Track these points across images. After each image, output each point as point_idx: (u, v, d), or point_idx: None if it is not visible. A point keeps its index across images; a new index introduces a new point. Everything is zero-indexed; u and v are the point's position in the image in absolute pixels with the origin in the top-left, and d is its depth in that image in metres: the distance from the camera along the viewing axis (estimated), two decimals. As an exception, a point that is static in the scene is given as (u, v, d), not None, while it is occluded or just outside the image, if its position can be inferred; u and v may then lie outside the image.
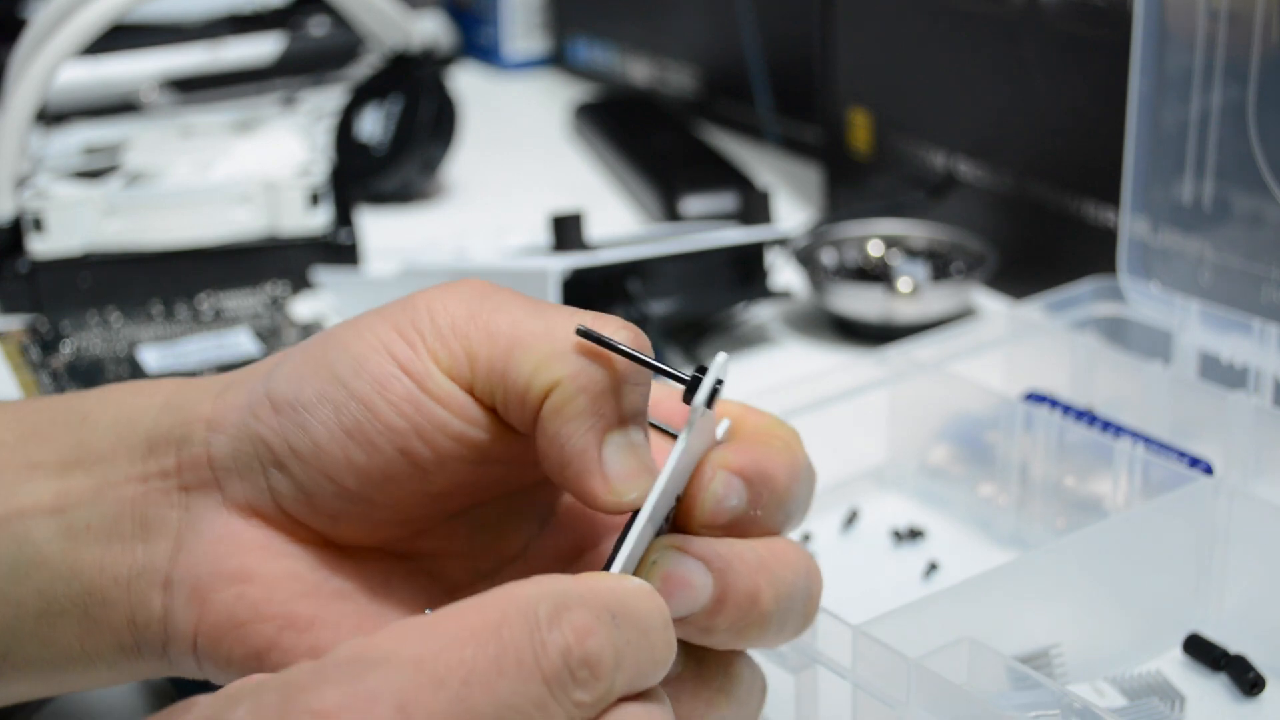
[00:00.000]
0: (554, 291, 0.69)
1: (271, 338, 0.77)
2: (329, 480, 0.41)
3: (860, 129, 0.88)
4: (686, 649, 0.41)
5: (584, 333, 0.40)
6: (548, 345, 0.40)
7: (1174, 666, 0.54)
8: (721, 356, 0.41)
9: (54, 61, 0.83)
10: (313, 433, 0.41)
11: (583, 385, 0.40)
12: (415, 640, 0.34)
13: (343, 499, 0.42)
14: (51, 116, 0.99)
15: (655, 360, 0.41)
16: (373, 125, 0.95)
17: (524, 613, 0.35)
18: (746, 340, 0.79)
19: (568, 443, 0.40)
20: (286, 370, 0.42)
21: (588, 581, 0.37)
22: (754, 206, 0.78)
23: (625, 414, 0.41)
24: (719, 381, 0.41)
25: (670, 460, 0.40)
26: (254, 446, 0.42)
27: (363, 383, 0.41)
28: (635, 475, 0.40)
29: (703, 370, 0.40)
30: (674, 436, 0.43)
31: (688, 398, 0.41)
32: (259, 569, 0.42)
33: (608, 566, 0.39)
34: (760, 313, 0.81)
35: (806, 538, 0.62)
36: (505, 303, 0.42)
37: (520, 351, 0.40)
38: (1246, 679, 0.52)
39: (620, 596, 0.36)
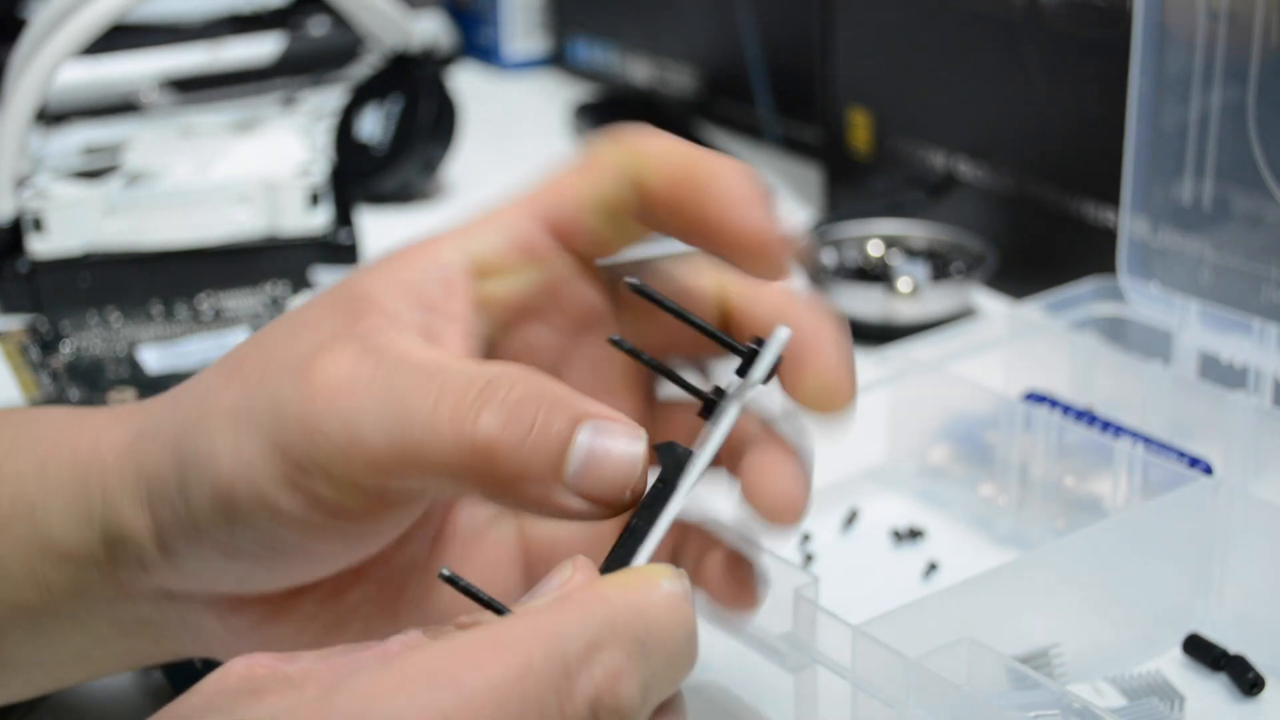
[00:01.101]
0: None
1: (271, 338, 0.77)
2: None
3: (860, 129, 0.88)
4: None
5: (636, 288, 0.38)
6: None
7: (1174, 666, 0.54)
8: (784, 332, 0.39)
9: (54, 61, 0.83)
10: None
11: None
12: (429, 694, 0.32)
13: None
14: (51, 116, 0.99)
15: (709, 326, 0.39)
16: (373, 125, 0.95)
17: (551, 658, 0.32)
18: (746, 340, 0.79)
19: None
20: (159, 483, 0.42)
21: (619, 597, 0.34)
22: (754, 206, 0.78)
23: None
24: (777, 359, 0.39)
25: (711, 443, 0.38)
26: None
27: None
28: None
29: (759, 343, 0.39)
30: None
31: (741, 371, 0.39)
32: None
33: (624, 554, 0.37)
34: (760, 313, 0.81)
35: (806, 538, 0.62)
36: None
37: None
38: (1246, 679, 0.52)
39: (651, 619, 0.34)
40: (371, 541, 0.41)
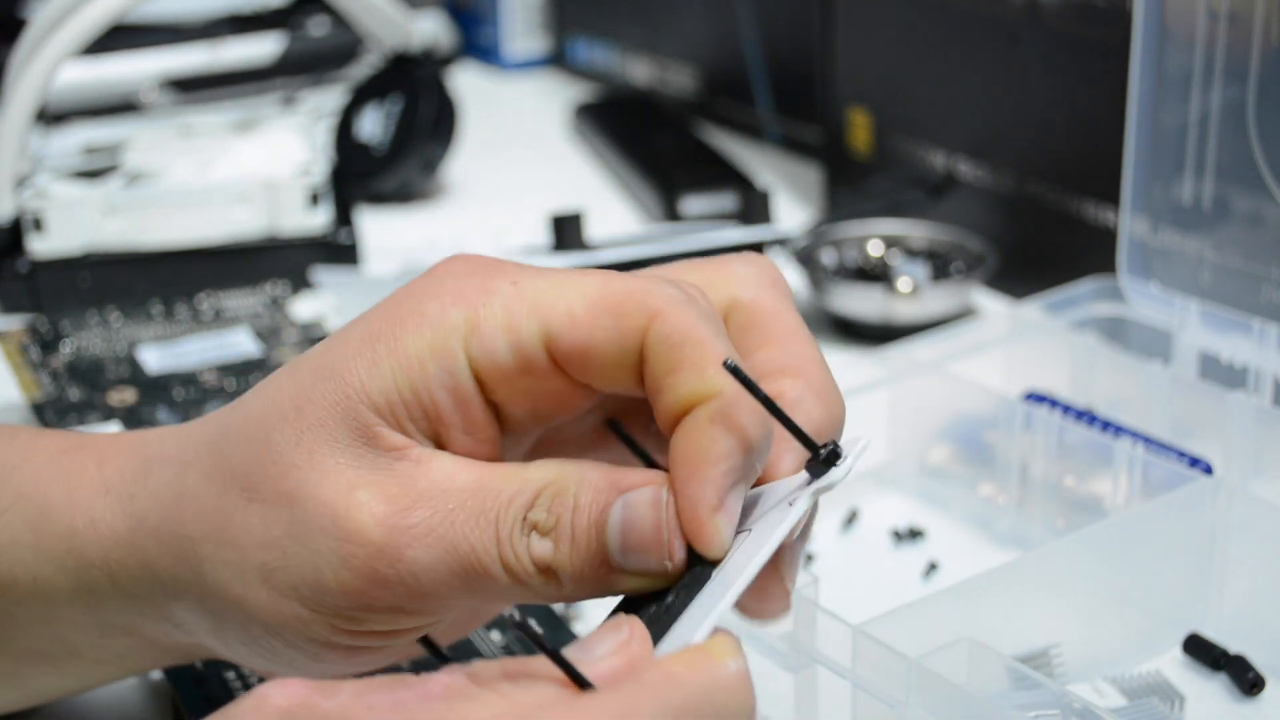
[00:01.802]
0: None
1: (271, 337, 0.77)
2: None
3: (860, 129, 0.88)
4: None
5: (733, 369, 0.37)
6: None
7: (1174, 666, 0.54)
8: (864, 442, 0.39)
9: (54, 61, 0.83)
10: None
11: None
12: None
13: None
14: (51, 116, 0.99)
15: (793, 420, 0.38)
16: (373, 125, 0.95)
17: None
18: (746, 340, 0.79)
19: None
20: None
21: (688, 677, 0.34)
22: (754, 206, 0.78)
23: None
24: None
25: (778, 534, 0.37)
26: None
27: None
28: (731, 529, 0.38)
29: (830, 450, 0.38)
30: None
31: (814, 470, 0.38)
32: None
33: (677, 624, 0.36)
34: (760, 313, 0.80)
35: (806, 538, 0.62)
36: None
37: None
38: (1246, 679, 0.52)
39: (718, 701, 0.34)
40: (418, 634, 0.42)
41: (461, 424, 0.39)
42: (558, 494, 0.38)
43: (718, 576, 0.37)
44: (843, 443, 0.39)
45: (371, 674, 0.35)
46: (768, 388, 0.38)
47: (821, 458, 0.38)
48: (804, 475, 0.39)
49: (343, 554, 0.38)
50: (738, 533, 0.38)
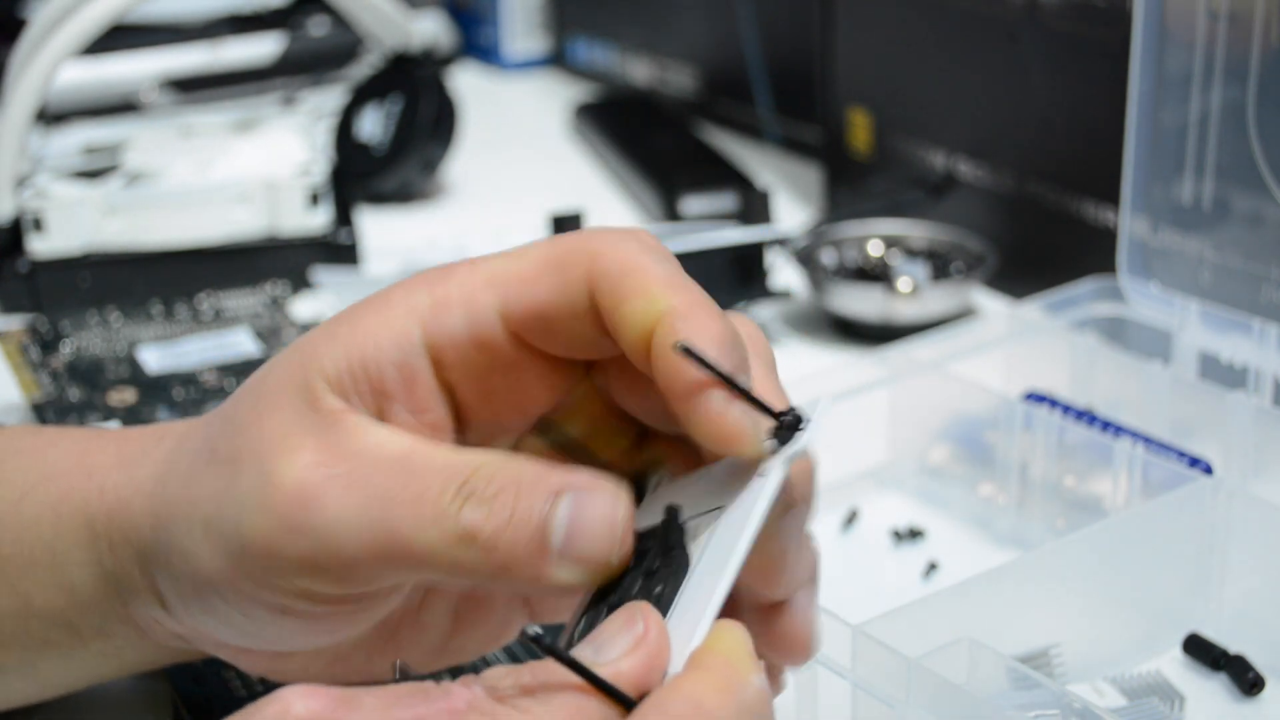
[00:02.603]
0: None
1: (271, 337, 0.77)
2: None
3: (860, 129, 0.88)
4: None
5: (685, 349, 0.36)
6: None
7: (1174, 666, 0.54)
8: (824, 402, 0.38)
9: (54, 61, 0.83)
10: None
11: None
12: None
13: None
14: (51, 116, 0.99)
15: (751, 391, 0.37)
16: (373, 125, 0.95)
17: None
18: (746, 340, 0.79)
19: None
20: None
21: (715, 699, 0.33)
22: (754, 206, 0.78)
23: None
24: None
25: (759, 508, 0.36)
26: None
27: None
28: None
29: (792, 415, 0.37)
30: None
31: (780, 437, 0.37)
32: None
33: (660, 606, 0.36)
34: (760, 313, 0.81)
35: (806, 538, 0.62)
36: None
37: None
38: (1246, 679, 0.52)
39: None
40: (369, 615, 0.42)
41: (407, 401, 0.39)
42: (500, 470, 0.37)
43: (701, 562, 0.36)
44: (803, 406, 0.38)
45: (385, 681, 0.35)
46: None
47: (786, 425, 0.37)
48: (770, 443, 0.38)
49: (261, 498, 0.38)
50: (709, 511, 0.38)
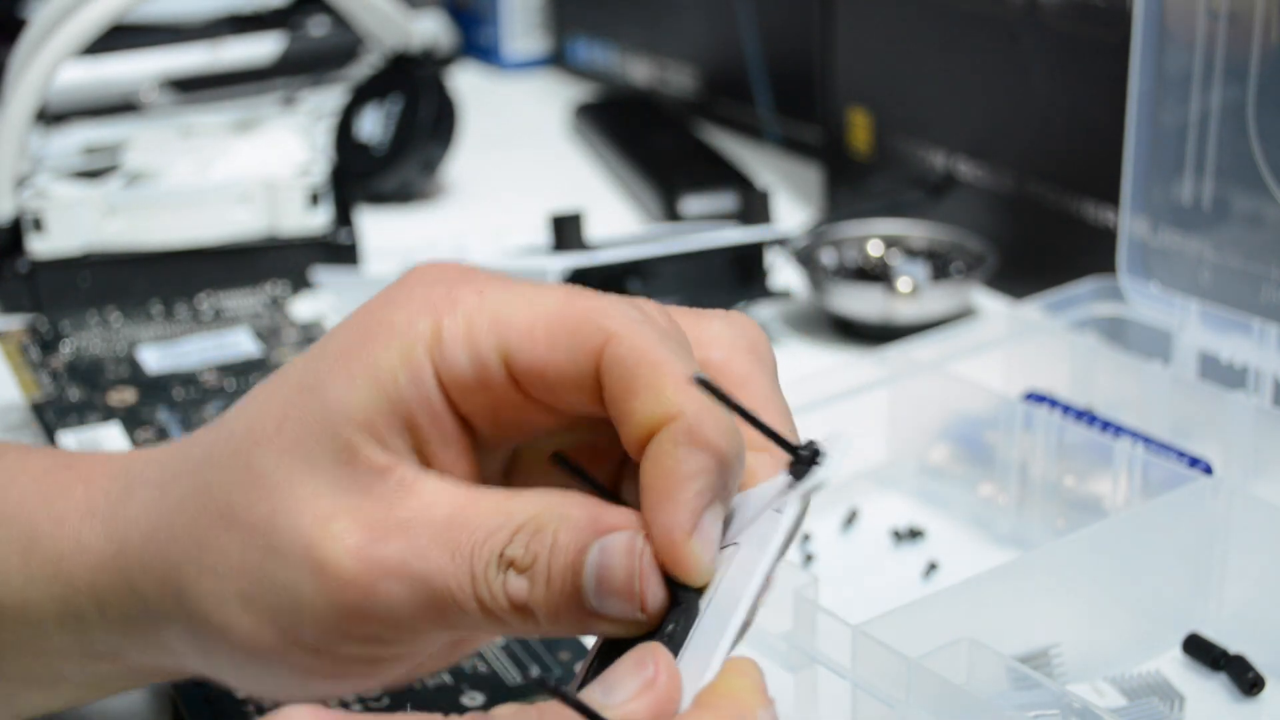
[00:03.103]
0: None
1: (271, 337, 0.77)
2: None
3: (860, 129, 0.88)
4: None
5: (701, 381, 0.36)
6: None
7: (1173, 666, 0.54)
8: (847, 437, 0.37)
9: (54, 61, 0.83)
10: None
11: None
12: None
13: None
14: (51, 116, 0.99)
15: (767, 425, 0.37)
16: (373, 125, 0.95)
17: None
18: (746, 340, 0.79)
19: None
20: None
21: None
22: (754, 206, 0.78)
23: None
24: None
25: (772, 546, 0.36)
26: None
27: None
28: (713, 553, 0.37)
29: (810, 450, 0.37)
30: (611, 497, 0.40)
31: (797, 472, 0.37)
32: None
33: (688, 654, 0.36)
34: (760, 313, 0.81)
35: (806, 538, 0.62)
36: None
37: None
38: (1246, 679, 0.52)
39: None
40: (412, 662, 0.41)
41: (439, 436, 0.39)
42: (537, 530, 0.37)
43: (715, 599, 0.36)
44: (821, 440, 0.37)
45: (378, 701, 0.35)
46: None
47: (803, 459, 0.37)
48: (785, 478, 0.37)
49: (316, 585, 0.37)
50: (724, 547, 0.37)
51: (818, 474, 0.36)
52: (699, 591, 0.37)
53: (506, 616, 0.37)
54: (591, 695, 0.34)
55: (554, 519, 0.37)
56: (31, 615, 0.43)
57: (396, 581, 0.37)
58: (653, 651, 0.35)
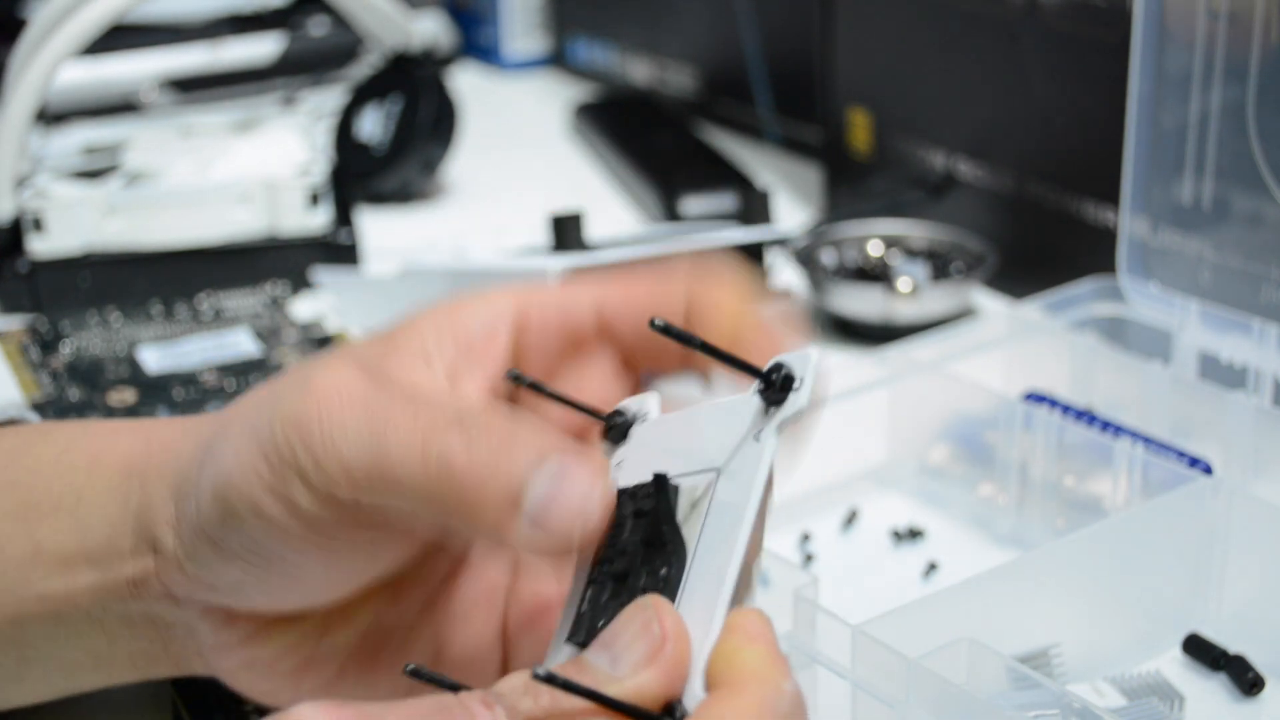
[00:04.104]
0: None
1: (271, 338, 0.77)
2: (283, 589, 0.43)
3: (860, 129, 0.88)
4: None
5: (663, 328, 0.37)
6: None
7: (1173, 666, 0.54)
8: (814, 355, 0.36)
9: (54, 61, 0.83)
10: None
11: None
12: None
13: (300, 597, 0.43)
14: (51, 116, 0.99)
15: (736, 356, 0.37)
16: (373, 125, 0.95)
17: None
18: (746, 340, 0.79)
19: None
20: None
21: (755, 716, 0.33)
22: (754, 206, 0.78)
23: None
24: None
25: (759, 479, 0.35)
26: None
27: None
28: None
29: (782, 374, 0.36)
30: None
31: (769, 398, 0.35)
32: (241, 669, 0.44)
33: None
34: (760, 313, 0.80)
35: (806, 537, 0.62)
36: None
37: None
38: (1246, 679, 0.52)
39: None
40: (351, 570, 0.42)
41: (483, 359, 0.43)
42: (498, 416, 0.39)
43: (703, 537, 0.35)
44: (791, 358, 0.36)
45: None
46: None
47: (776, 383, 0.35)
48: (756, 400, 0.36)
49: (295, 395, 0.40)
50: (701, 471, 0.37)
51: (795, 400, 0.35)
52: (676, 526, 0.36)
53: (432, 472, 0.38)
54: (598, 662, 0.34)
55: (520, 418, 0.39)
56: (83, 503, 0.45)
57: (353, 408, 0.39)
58: (657, 610, 0.34)
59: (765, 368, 0.36)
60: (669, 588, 0.35)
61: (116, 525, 0.44)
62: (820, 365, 0.35)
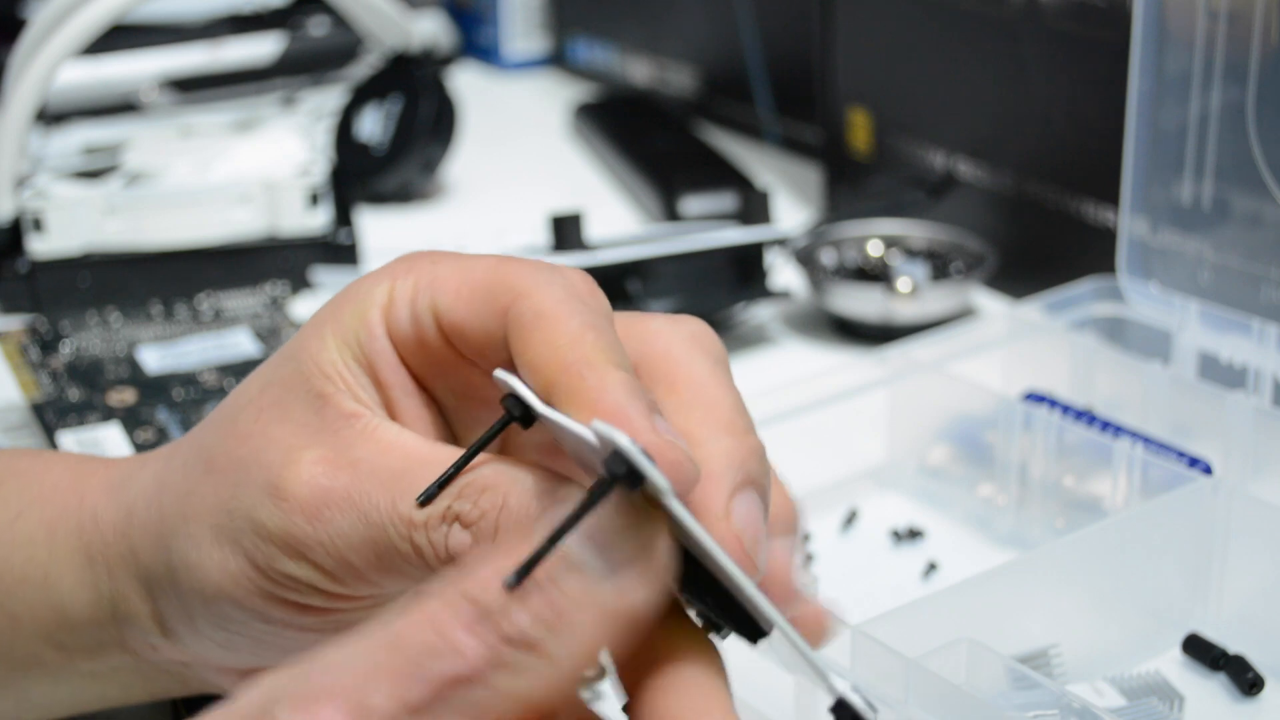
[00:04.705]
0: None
1: (271, 337, 0.77)
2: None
3: (860, 129, 0.88)
4: None
5: (504, 382, 0.37)
6: None
7: (1173, 666, 0.54)
8: (622, 438, 0.31)
9: (54, 61, 0.83)
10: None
11: None
12: None
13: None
14: (51, 116, 0.99)
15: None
16: (373, 125, 0.95)
17: None
18: (746, 340, 0.79)
19: None
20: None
21: None
22: (754, 206, 0.78)
23: None
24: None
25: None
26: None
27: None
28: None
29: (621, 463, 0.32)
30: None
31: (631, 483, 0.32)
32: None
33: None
34: (760, 313, 0.81)
35: (806, 538, 0.62)
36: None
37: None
38: (1245, 679, 0.52)
39: None
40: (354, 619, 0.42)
41: (401, 391, 0.40)
42: (486, 489, 0.37)
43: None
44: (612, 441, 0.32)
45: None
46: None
47: (622, 475, 0.31)
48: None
49: (272, 509, 0.39)
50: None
51: (654, 487, 0.32)
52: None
53: (442, 569, 0.37)
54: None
55: (506, 479, 0.37)
56: (52, 589, 0.44)
57: (339, 512, 0.38)
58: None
59: (599, 446, 0.33)
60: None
61: (93, 609, 0.44)
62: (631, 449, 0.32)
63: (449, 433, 0.42)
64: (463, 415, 0.42)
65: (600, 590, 0.31)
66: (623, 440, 0.31)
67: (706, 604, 0.35)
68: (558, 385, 0.36)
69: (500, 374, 0.38)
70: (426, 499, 0.38)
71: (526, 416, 0.37)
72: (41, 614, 0.44)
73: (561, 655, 0.31)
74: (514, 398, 0.37)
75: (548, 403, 0.36)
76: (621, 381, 0.35)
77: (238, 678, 0.44)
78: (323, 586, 0.39)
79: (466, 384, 0.41)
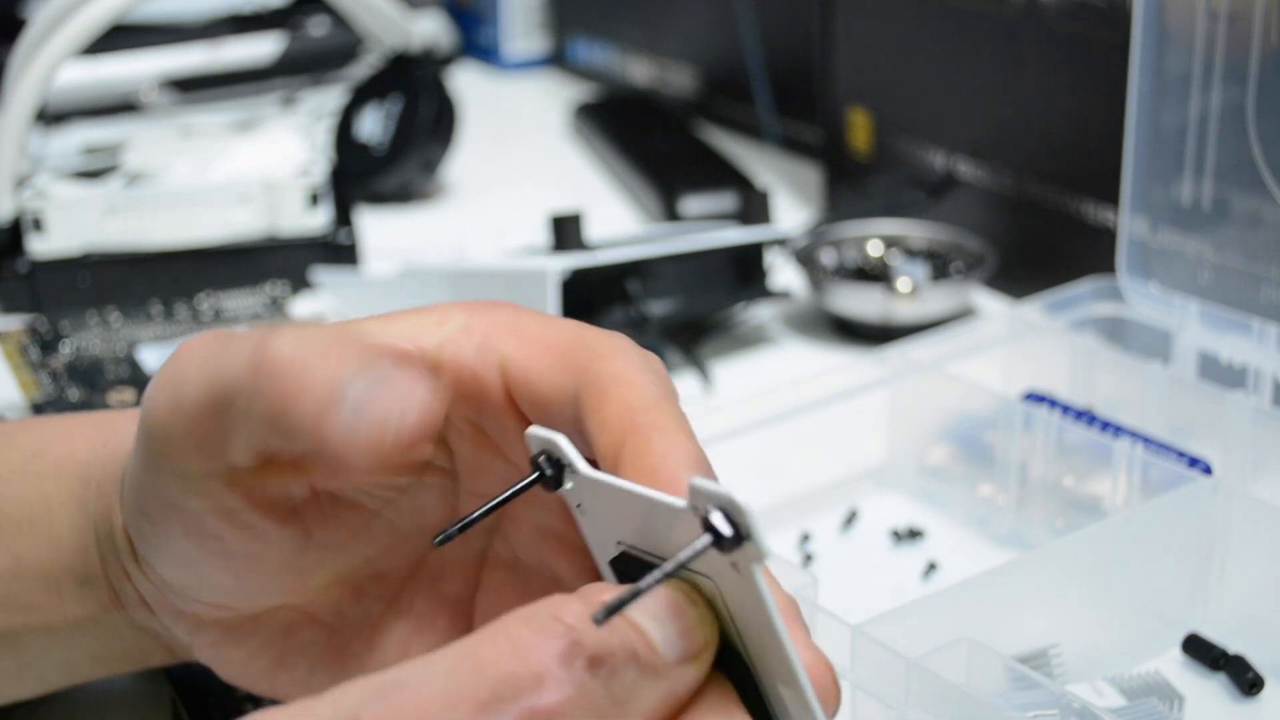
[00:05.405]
0: (553, 292, 0.69)
1: (271, 338, 0.77)
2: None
3: (860, 129, 0.88)
4: None
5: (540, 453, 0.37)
6: None
7: (1173, 666, 0.54)
8: (734, 497, 0.32)
9: (54, 61, 0.83)
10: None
11: None
12: None
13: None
14: (51, 116, 0.99)
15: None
16: (373, 125, 0.95)
17: None
18: (746, 340, 0.79)
19: None
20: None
21: None
22: (754, 206, 0.78)
23: None
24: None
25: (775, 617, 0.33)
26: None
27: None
28: None
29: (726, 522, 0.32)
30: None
31: (727, 547, 0.32)
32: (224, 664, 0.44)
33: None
34: (760, 313, 0.81)
35: (806, 538, 0.62)
36: None
37: None
38: (1245, 679, 0.52)
39: None
40: (289, 565, 0.42)
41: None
42: (334, 328, 0.38)
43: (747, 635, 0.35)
44: (712, 497, 0.32)
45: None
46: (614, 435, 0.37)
47: (727, 539, 0.32)
48: (703, 535, 0.33)
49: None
50: (652, 554, 0.36)
51: (753, 551, 0.32)
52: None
53: (258, 373, 0.37)
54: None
55: (358, 332, 0.39)
56: (54, 523, 0.45)
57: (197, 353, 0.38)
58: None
59: (697, 505, 0.33)
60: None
61: (85, 535, 0.44)
62: (748, 509, 0.32)
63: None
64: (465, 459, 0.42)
65: (671, 673, 0.33)
66: (736, 497, 0.32)
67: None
68: (626, 446, 0.36)
69: (539, 431, 0.37)
70: (445, 539, 0.38)
71: (556, 479, 0.37)
72: (43, 553, 0.45)
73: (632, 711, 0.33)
74: (547, 457, 0.37)
75: (610, 464, 0.37)
76: (690, 452, 0.36)
77: (191, 629, 0.44)
78: (178, 440, 0.38)
79: (495, 440, 0.41)
